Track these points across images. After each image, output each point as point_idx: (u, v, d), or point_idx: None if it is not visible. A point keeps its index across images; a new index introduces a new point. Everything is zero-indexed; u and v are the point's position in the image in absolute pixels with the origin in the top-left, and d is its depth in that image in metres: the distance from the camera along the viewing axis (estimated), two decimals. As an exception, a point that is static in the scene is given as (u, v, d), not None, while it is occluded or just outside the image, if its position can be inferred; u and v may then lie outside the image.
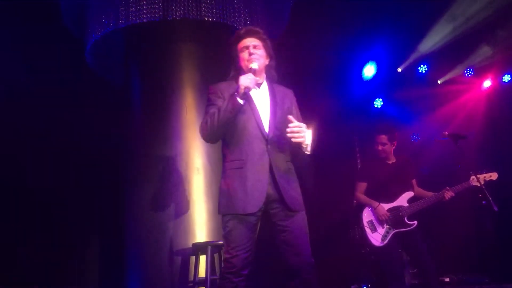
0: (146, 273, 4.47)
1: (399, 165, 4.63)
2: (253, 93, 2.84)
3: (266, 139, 2.74)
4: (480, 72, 7.64)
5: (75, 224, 5.46)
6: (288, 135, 2.66)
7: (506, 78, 7.65)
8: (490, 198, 4.15)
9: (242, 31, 2.93)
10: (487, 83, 7.64)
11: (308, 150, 2.68)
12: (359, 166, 7.37)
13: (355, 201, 4.71)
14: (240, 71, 2.89)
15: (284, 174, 2.74)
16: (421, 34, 6.94)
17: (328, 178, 6.63)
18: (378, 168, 4.62)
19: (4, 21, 5.18)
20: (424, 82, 7.65)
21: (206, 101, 2.91)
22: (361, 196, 4.60)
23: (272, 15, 5.36)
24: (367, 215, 4.49)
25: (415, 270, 5.73)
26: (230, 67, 2.97)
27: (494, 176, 4.35)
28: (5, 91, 5.23)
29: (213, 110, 2.77)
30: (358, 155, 7.40)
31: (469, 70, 7.66)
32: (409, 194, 4.49)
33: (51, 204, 5.35)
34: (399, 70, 7.52)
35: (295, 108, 2.96)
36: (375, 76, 7.34)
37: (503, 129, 7.22)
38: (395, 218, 4.37)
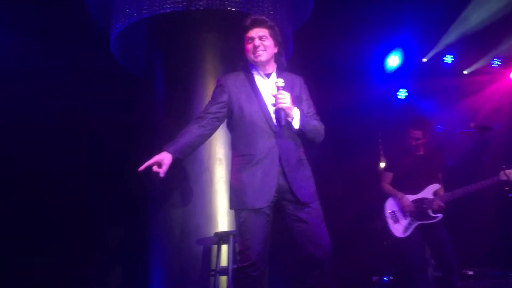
0: (169, 262, 4.52)
1: (427, 156, 4.56)
2: (261, 84, 2.83)
3: (275, 132, 2.71)
4: (507, 62, 7.47)
5: (97, 214, 5.53)
6: (273, 102, 2.68)
7: (535, 68, 7.47)
8: (516, 191, 4.10)
9: (247, 22, 2.86)
10: (514, 73, 7.47)
11: (296, 125, 2.69)
12: (382, 157, 7.32)
13: (380, 191, 4.65)
14: (249, 63, 2.87)
15: (294, 166, 2.73)
16: (447, 23, 6.80)
17: (350, 170, 6.58)
18: (405, 159, 4.56)
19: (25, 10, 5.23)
20: (450, 73, 7.51)
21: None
22: (386, 186, 4.56)
23: (295, 5, 5.31)
24: (390, 206, 4.44)
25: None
26: (240, 56, 2.94)
27: None
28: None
29: (202, 118, 2.81)
30: (380, 147, 7.33)
31: (497, 60, 7.50)
32: (435, 186, 4.41)
33: (73, 199, 5.36)
34: (424, 60, 7.40)
35: (305, 95, 2.92)
36: (399, 67, 7.23)
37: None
38: (419, 210, 4.31)
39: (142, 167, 2.66)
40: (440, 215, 4.28)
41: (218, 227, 4.43)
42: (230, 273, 3.97)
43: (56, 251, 5.12)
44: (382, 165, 7.36)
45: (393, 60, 7.21)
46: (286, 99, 2.67)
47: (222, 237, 4.23)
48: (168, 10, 4.57)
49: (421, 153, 4.57)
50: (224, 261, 4.18)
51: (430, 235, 4.32)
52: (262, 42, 2.80)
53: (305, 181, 2.76)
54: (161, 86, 5.08)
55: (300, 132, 2.75)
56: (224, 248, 4.23)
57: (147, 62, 5.35)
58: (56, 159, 5.34)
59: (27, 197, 5.19)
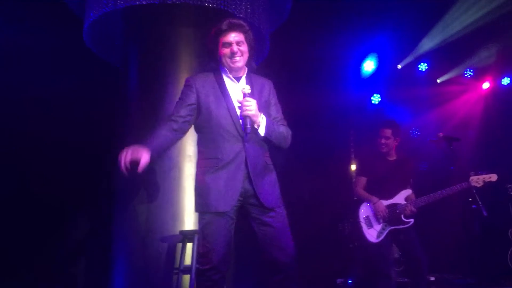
0: (133, 259, 4.45)
1: (399, 162, 4.60)
2: (230, 87, 2.79)
3: (242, 137, 2.68)
4: (480, 73, 7.62)
5: (61, 205, 5.41)
6: (239, 108, 2.66)
7: (506, 81, 7.64)
8: (480, 203, 4.17)
9: (224, 25, 2.76)
10: (486, 85, 7.63)
11: (261, 132, 2.67)
12: (355, 162, 7.38)
13: (355, 195, 4.67)
14: (220, 64, 2.82)
15: (260, 171, 2.71)
16: (423, 32, 6.89)
17: (321, 174, 6.62)
18: (378, 164, 4.58)
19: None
20: (424, 81, 7.62)
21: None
22: (360, 191, 4.56)
23: (274, 5, 5.29)
24: (364, 211, 4.46)
25: (401, 268, 5.76)
26: (207, 56, 2.86)
27: (493, 177, 4.25)
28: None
29: (172, 117, 2.75)
30: (352, 150, 7.40)
31: (469, 71, 7.64)
32: (407, 192, 4.45)
33: (36, 190, 5.26)
34: (399, 67, 7.48)
35: (273, 99, 2.88)
36: (374, 72, 7.29)
37: (499, 132, 7.21)
38: (392, 215, 4.36)
39: (123, 164, 2.54)
40: (411, 220, 4.34)
41: (184, 225, 4.39)
42: (193, 272, 3.94)
43: (17, 242, 5.01)
44: (353, 168, 7.43)
45: (369, 65, 7.26)
46: (252, 106, 2.64)
47: (187, 236, 4.18)
48: (143, 2, 4.48)
49: (394, 158, 4.60)
50: (188, 260, 4.15)
51: (402, 240, 4.36)
52: (239, 48, 2.76)
53: (270, 186, 2.75)
54: (136, 79, 4.99)
55: (266, 139, 2.74)
56: (189, 246, 4.19)
57: (123, 53, 5.26)
58: (21, 147, 5.21)
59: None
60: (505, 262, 5.67)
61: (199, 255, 2.69)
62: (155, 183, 4.47)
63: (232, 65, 2.76)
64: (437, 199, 4.31)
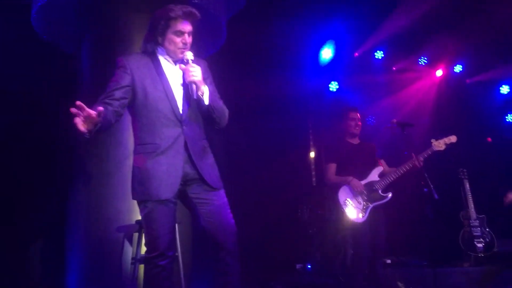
0: (88, 250, 4.39)
1: (363, 145, 4.78)
2: (168, 70, 2.72)
3: (181, 121, 2.64)
4: (433, 61, 7.81)
5: (15, 203, 5.26)
6: (185, 75, 2.60)
7: (458, 68, 7.86)
8: (431, 186, 4.32)
9: (180, 11, 2.64)
10: (439, 72, 7.83)
11: (206, 100, 2.63)
12: (315, 149, 7.47)
13: (328, 182, 4.73)
14: (164, 49, 2.72)
15: (200, 154, 2.69)
16: (378, 19, 6.98)
17: (280, 161, 6.66)
18: (345, 148, 4.70)
19: None
20: (380, 68, 7.74)
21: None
22: (333, 176, 4.64)
23: (230, -9, 5.23)
24: (343, 194, 4.52)
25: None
26: (146, 37, 2.74)
27: (453, 138, 4.56)
28: None
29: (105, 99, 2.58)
30: (311, 137, 7.47)
31: (423, 59, 7.81)
32: (379, 169, 4.61)
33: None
34: (356, 54, 7.57)
35: (209, 78, 2.82)
36: (331, 60, 7.35)
37: (451, 118, 7.43)
38: (370, 193, 4.46)
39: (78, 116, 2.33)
40: (390, 194, 4.46)
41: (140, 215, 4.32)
42: (150, 261, 3.89)
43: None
44: (312, 155, 7.52)
45: (327, 53, 7.31)
46: (197, 72, 2.60)
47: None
48: (95, -13, 4.34)
49: (358, 142, 4.73)
50: (144, 249, 4.08)
51: (373, 221, 4.46)
52: (190, 39, 2.70)
53: (212, 167, 2.75)
54: (88, 65, 4.88)
55: (209, 110, 2.67)
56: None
57: (75, 39, 5.10)
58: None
59: None
60: (457, 243, 5.87)
61: (145, 244, 2.66)
62: (109, 172, 4.39)
63: (180, 55, 2.69)
64: (402, 173, 4.47)
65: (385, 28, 7.07)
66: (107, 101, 2.61)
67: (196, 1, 4.68)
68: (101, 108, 2.38)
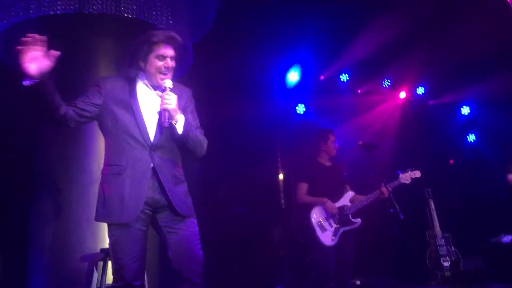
0: (50, 279, 4.24)
1: (335, 167, 4.82)
2: (143, 94, 2.71)
3: (150, 146, 2.61)
4: (397, 83, 8.02)
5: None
6: (160, 102, 2.58)
7: (420, 90, 8.10)
8: (397, 207, 4.40)
9: (161, 36, 2.67)
10: (402, 94, 8.04)
11: (179, 129, 2.60)
12: (280, 169, 7.50)
13: (299, 202, 4.70)
14: (145, 73, 2.71)
15: (171, 180, 2.64)
16: (343, 44, 7.14)
17: (248, 183, 6.66)
18: (317, 169, 4.72)
19: None
20: (345, 91, 7.90)
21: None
22: (305, 196, 4.63)
23: (196, 16, 5.27)
24: (316, 216, 4.52)
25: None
26: (129, 62, 2.72)
27: (418, 174, 4.68)
28: None
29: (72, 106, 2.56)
30: (279, 159, 7.50)
31: (387, 81, 8.01)
32: (350, 194, 4.66)
33: None
34: (322, 77, 7.70)
35: (190, 107, 2.81)
36: (298, 83, 7.46)
37: (415, 139, 7.62)
38: (341, 217, 4.49)
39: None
40: (359, 220, 4.51)
41: (106, 243, 4.21)
42: (115, 291, 3.80)
43: None
44: (281, 176, 7.54)
45: (293, 76, 7.42)
46: (172, 100, 2.58)
47: (108, 253, 4.01)
48: (58, 12, 4.31)
49: (329, 164, 4.77)
50: (110, 278, 3.97)
51: (341, 243, 4.48)
52: (172, 64, 2.69)
53: (184, 196, 2.70)
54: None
55: (183, 139, 2.65)
56: (110, 265, 4.03)
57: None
58: None
59: None
60: (424, 262, 5.95)
61: (112, 272, 2.60)
62: (73, 198, 4.30)
63: (160, 80, 2.67)
64: (370, 201, 4.56)
65: (350, 52, 7.24)
66: (71, 106, 2.58)
67: (162, 26, 4.70)
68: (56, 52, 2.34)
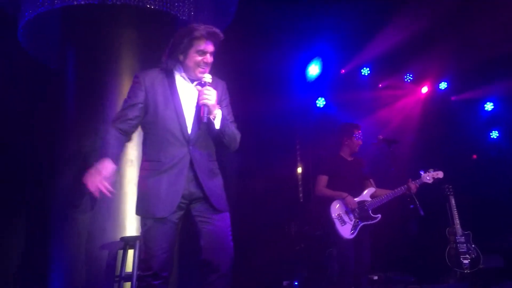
0: (71, 268, 4.31)
1: (357, 162, 4.78)
2: (182, 88, 2.72)
3: (188, 141, 2.64)
4: (419, 78, 7.91)
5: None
6: (199, 97, 2.60)
7: (443, 85, 7.97)
8: (417, 202, 4.37)
9: (205, 31, 2.65)
10: (424, 89, 7.92)
11: (217, 124, 2.62)
12: (299, 163, 7.48)
13: (318, 194, 4.68)
14: (184, 67, 2.72)
15: (208, 173, 2.67)
16: (365, 37, 7.06)
17: (267, 177, 6.65)
18: (339, 163, 4.70)
19: None
20: (366, 85, 7.81)
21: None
22: (325, 189, 4.61)
23: (218, 8, 5.27)
24: (336, 209, 4.51)
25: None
26: (167, 54, 2.73)
27: (440, 174, 4.65)
28: None
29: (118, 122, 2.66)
30: (298, 153, 7.48)
31: (409, 76, 7.90)
32: (371, 190, 4.63)
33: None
34: (342, 71, 7.64)
35: (225, 101, 2.82)
36: (318, 76, 7.40)
37: (436, 135, 7.52)
38: (361, 212, 4.48)
39: (101, 190, 2.47)
40: (379, 216, 4.50)
41: (126, 232, 4.28)
42: (134, 279, 3.85)
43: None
44: (300, 170, 7.53)
45: (313, 69, 7.37)
46: (212, 96, 2.59)
47: (128, 242, 4.08)
48: (82, 2, 4.35)
49: (351, 159, 4.74)
50: (129, 267, 4.04)
51: (359, 238, 4.47)
52: (211, 59, 2.69)
53: (220, 190, 2.73)
54: (73, 82, 4.83)
55: (219, 134, 2.66)
56: (130, 253, 4.09)
57: (60, 54, 5.08)
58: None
59: None
60: (443, 260, 5.88)
61: (140, 261, 2.65)
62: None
63: (199, 74, 2.68)
64: (395, 196, 4.55)
65: (371, 45, 7.15)
66: (121, 126, 2.65)
67: (184, 17, 4.71)
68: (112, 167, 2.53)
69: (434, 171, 4.62)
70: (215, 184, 2.71)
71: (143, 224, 2.63)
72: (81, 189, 4.30)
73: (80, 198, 4.34)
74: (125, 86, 4.65)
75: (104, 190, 2.48)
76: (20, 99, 5.31)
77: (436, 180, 4.64)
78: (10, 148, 5.28)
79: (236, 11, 5.37)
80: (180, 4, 4.75)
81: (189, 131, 2.65)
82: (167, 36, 4.93)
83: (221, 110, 2.69)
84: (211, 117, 2.60)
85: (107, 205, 4.31)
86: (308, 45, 6.96)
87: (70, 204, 4.35)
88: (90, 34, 4.76)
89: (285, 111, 7.05)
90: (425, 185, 4.58)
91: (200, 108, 2.60)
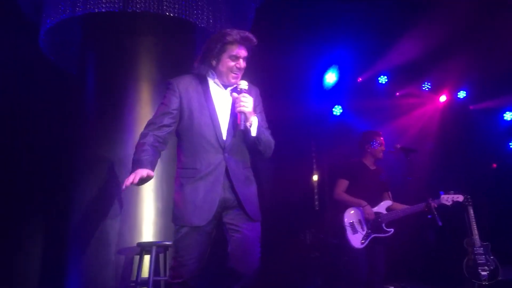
0: (87, 272, 4.33)
1: (378, 172, 4.75)
2: (216, 94, 2.70)
3: (223, 148, 2.61)
4: (437, 87, 7.84)
5: (17, 223, 5.24)
6: (236, 104, 2.57)
7: (462, 94, 7.89)
8: (435, 213, 4.33)
9: (238, 36, 2.63)
10: (442, 98, 7.85)
11: (253, 132, 2.58)
12: (315, 171, 7.46)
13: (336, 198, 4.64)
14: (216, 73, 2.71)
15: (243, 181, 2.64)
16: (382, 45, 7.03)
17: (282, 184, 6.65)
18: (361, 170, 4.68)
19: None
20: (383, 93, 7.77)
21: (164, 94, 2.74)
22: (345, 194, 4.57)
23: (236, 15, 5.29)
24: (350, 216, 4.48)
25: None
26: (200, 59, 2.74)
27: (460, 198, 4.66)
28: None
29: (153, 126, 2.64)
30: (314, 161, 7.46)
31: (427, 84, 7.84)
32: (387, 203, 4.60)
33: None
34: (360, 79, 7.61)
35: (259, 107, 2.80)
36: (335, 84, 7.39)
37: (454, 144, 7.43)
38: (375, 224, 4.44)
39: (128, 183, 2.44)
40: (391, 230, 4.45)
41: (142, 237, 4.30)
42: (151, 285, 3.86)
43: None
44: (315, 178, 7.50)
45: (331, 77, 7.36)
46: (248, 103, 2.56)
47: (145, 248, 4.10)
48: (103, 10, 4.40)
49: (374, 168, 4.72)
50: (145, 272, 4.06)
51: (372, 247, 4.43)
52: (244, 64, 2.67)
53: (255, 197, 2.70)
54: (93, 88, 4.90)
55: (255, 141, 2.63)
56: (147, 259, 4.10)
57: (80, 61, 5.15)
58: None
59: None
60: (460, 271, 5.79)
61: (170, 268, 2.63)
62: (111, 192, 4.38)
63: (232, 80, 2.68)
64: (412, 212, 4.51)
65: (389, 54, 7.12)
66: (158, 133, 2.63)
67: (203, 25, 4.74)
68: (151, 173, 2.50)
69: (455, 193, 4.59)
70: (250, 192, 2.68)
71: (177, 232, 2.59)
72: (99, 194, 4.42)
73: (98, 203, 4.38)
74: (144, 93, 4.73)
75: (130, 181, 2.41)
76: (42, 105, 5.39)
77: (455, 203, 4.60)
78: (31, 153, 5.34)
79: (254, 18, 5.38)
80: (199, 11, 4.78)
81: (224, 137, 2.63)
82: (185, 43, 5.07)
83: (256, 116, 2.66)
84: (248, 124, 2.57)
85: (125, 209, 4.35)
86: (325, 52, 6.95)
87: (88, 209, 4.38)
88: (109, 41, 4.82)
89: (301, 119, 7.05)
90: (443, 180, 4.53)
91: (237, 116, 2.58)
